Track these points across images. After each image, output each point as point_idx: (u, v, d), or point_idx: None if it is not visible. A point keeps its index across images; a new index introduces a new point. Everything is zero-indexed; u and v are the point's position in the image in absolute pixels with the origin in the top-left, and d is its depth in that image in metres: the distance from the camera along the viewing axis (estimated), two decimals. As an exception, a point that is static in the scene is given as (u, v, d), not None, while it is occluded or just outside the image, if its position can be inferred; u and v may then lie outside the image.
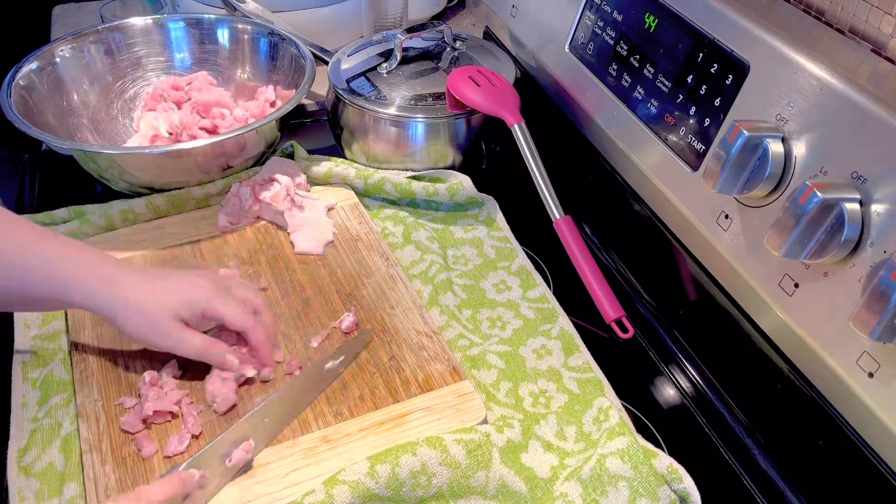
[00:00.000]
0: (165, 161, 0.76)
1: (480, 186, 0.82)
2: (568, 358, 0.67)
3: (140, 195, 0.78)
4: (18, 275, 0.56)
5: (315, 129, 0.98)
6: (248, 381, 0.62)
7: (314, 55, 0.91)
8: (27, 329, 0.66)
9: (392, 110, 0.82)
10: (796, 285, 0.56)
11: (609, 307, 0.70)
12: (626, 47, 0.76)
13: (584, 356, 0.67)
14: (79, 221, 0.75)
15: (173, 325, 0.58)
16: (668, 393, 0.69)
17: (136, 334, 0.59)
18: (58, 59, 0.86)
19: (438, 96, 0.83)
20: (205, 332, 0.61)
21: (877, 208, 0.50)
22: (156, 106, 0.89)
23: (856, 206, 0.50)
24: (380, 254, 0.75)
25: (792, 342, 0.58)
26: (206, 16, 0.95)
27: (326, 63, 0.91)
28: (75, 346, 0.64)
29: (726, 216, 0.63)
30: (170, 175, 0.78)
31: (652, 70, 0.72)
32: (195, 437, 0.58)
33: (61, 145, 0.75)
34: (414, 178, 0.83)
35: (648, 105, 0.72)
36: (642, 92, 0.73)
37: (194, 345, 0.59)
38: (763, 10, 0.65)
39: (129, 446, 0.57)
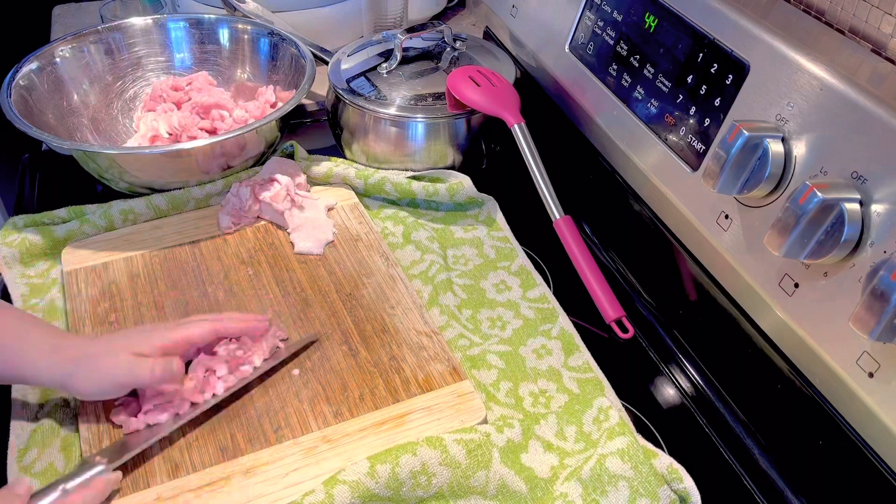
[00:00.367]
0: (165, 161, 0.76)
1: (480, 186, 0.82)
2: (568, 358, 0.67)
3: (140, 195, 0.78)
4: None
5: (315, 129, 0.98)
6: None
7: (314, 55, 0.91)
8: (27, 329, 0.66)
9: (392, 110, 0.82)
10: (796, 285, 0.56)
11: (609, 307, 0.70)
12: (626, 47, 0.76)
13: (584, 356, 0.67)
14: (79, 221, 0.75)
15: (128, 357, 0.55)
16: (668, 393, 0.69)
17: (89, 383, 0.55)
18: (58, 59, 0.86)
19: (438, 96, 0.83)
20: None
21: (877, 208, 0.50)
22: (155, 107, 0.89)
23: (856, 206, 0.50)
24: (380, 254, 0.75)
25: (792, 342, 0.58)
26: (206, 16, 0.95)
27: (326, 63, 0.91)
28: (75, 346, 0.64)
29: (726, 216, 0.63)
30: (170, 175, 0.78)
31: (652, 70, 0.72)
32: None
33: (61, 145, 0.75)
34: (414, 178, 0.83)
35: (648, 105, 0.72)
36: (642, 92, 0.73)
37: (143, 378, 0.55)
38: (763, 10, 0.65)
39: (129, 446, 0.57)
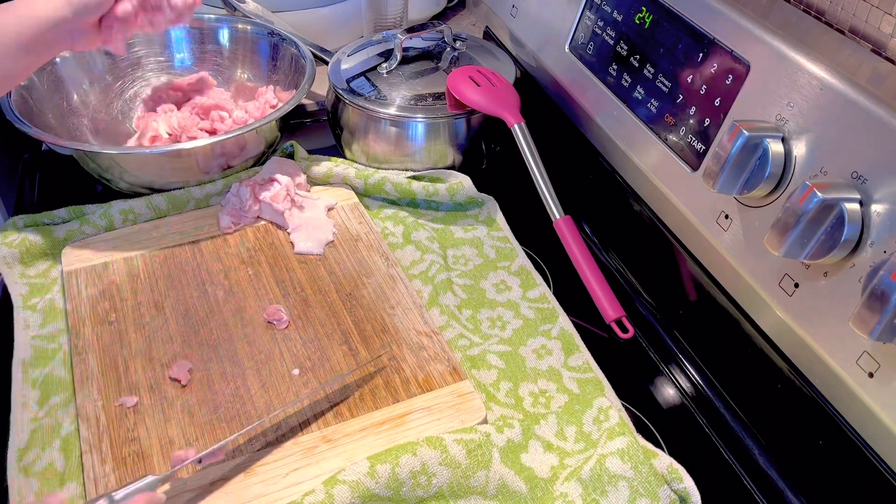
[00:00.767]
0: (165, 161, 0.76)
1: (480, 186, 0.82)
2: (568, 358, 0.67)
3: (140, 195, 0.78)
4: None
5: (315, 129, 0.98)
6: None
7: (314, 55, 0.91)
8: (27, 329, 0.66)
9: (392, 110, 0.82)
10: (796, 285, 0.56)
11: (609, 307, 0.70)
12: (625, 47, 0.76)
13: (584, 356, 0.67)
14: (79, 221, 0.75)
15: None
16: (668, 393, 0.69)
17: None
18: (58, 59, 0.86)
19: (438, 96, 0.83)
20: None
21: (877, 208, 0.50)
22: (155, 107, 0.89)
23: (856, 206, 0.50)
24: (380, 254, 0.75)
25: (792, 342, 0.58)
26: (206, 16, 0.95)
27: (326, 63, 0.91)
28: (75, 346, 0.64)
29: (726, 216, 0.63)
30: (170, 175, 0.78)
31: (652, 70, 0.72)
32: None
33: (61, 145, 0.75)
34: (414, 178, 0.83)
35: (648, 105, 0.72)
36: (642, 92, 0.73)
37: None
38: (763, 10, 0.65)
39: (129, 446, 0.57)
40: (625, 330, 0.69)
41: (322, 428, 0.59)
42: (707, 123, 0.65)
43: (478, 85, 0.81)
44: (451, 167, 0.85)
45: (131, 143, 0.87)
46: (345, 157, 0.88)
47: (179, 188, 0.79)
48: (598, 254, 0.81)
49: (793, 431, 0.60)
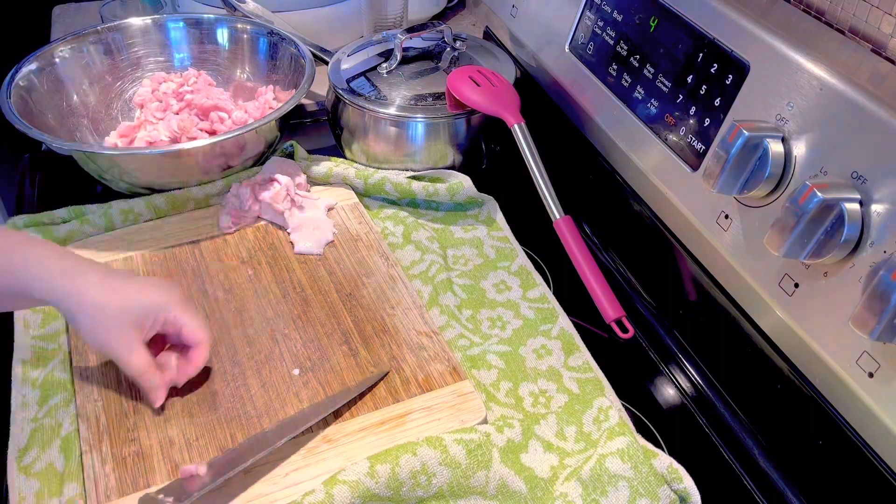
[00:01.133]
0: (165, 161, 0.76)
1: (480, 186, 0.82)
2: (568, 358, 0.67)
3: (140, 195, 0.78)
4: None
5: (315, 129, 0.98)
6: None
7: (314, 55, 0.91)
8: (27, 329, 0.66)
9: (392, 110, 0.82)
10: (796, 285, 0.56)
11: (609, 307, 0.70)
12: (626, 47, 0.76)
13: (584, 356, 0.67)
14: (79, 221, 0.75)
15: (131, 333, 0.56)
16: (668, 393, 0.69)
17: (91, 335, 0.56)
18: (57, 60, 0.86)
19: (438, 96, 0.83)
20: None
21: (877, 208, 0.50)
22: (155, 108, 0.89)
23: (856, 206, 0.50)
24: (380, 254, 0.75)
25: (792, 342, 0.58)
26: (205, 16, 0.95)
27: (326, 63, 0.91)
28: (75, 346, 0.64)
29: (726, 216, 0.63)
30: (170, 175, 0.78)
31: (652, 70, 0.72)
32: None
33: (61, 145, 0.75)
34: (414, 178, 0.83)
35: (648, 105, 0.72)
36: (642, 92, 0.73)
37: (135, 364, 0.57)
38: (763, 10, 0.65)
39: (130, 446, 0.57)
40: (625, 330, 0.69)
41: (322, 428, 0.59)
42: (707, 123, 0.65)
43: (478, 85, 0.81)
44: (451, 167, 0.85)
45: (114, 137, 0.86)
46: (345, 157, 0.88)
47: (179, 188, 0.79)
48: (598, 254, 0.81)
49: (793, 431, 0.60)
